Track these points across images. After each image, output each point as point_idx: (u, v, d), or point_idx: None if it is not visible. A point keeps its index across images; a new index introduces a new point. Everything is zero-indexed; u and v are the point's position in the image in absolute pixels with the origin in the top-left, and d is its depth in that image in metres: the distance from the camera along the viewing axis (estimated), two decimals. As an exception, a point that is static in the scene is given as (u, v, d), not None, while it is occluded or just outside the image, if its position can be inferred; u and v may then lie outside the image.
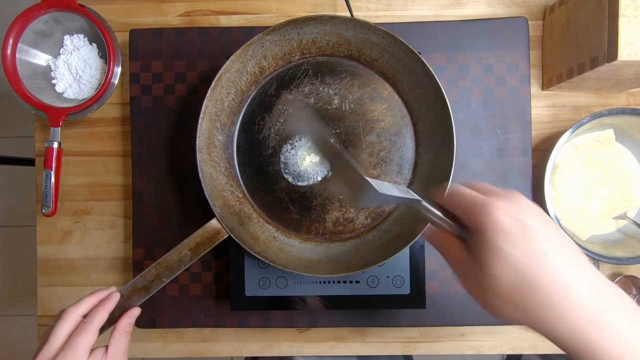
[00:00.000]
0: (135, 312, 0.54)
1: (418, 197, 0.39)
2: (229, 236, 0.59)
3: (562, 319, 0.33)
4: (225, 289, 0.68)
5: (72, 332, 0.48)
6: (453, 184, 0.39)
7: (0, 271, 1.58)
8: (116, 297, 0.53)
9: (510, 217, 0.33)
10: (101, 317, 0.49)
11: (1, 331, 1.57)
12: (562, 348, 0.34)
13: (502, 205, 0.34)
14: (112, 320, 0.53)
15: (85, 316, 0.50)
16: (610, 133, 0.67)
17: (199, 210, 0.68)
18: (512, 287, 0.33)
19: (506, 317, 0.35)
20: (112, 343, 0.51)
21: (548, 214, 0.62)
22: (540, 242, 0.33)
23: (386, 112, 0.65)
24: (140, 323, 0.69)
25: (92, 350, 0.49)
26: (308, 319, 0.68)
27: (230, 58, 0.59)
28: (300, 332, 0.71)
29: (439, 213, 0.38)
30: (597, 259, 0.63)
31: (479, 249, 0.35)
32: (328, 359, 0.78)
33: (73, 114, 0.67)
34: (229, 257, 0.65)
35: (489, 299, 0.35)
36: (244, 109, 0.65)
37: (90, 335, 0.48)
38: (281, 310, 0.67)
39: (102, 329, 0.52)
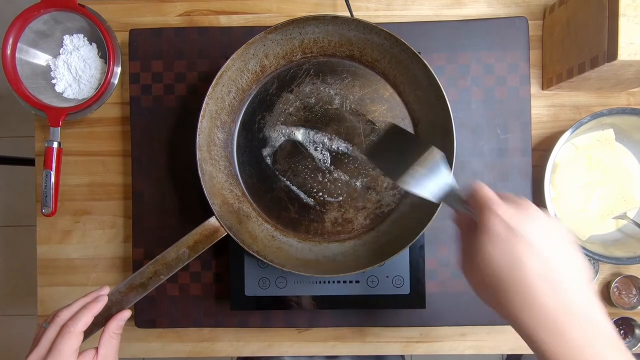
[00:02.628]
0: (126, 314, 0.54)
1: (456, 186, 0.44)
2: (228, 235, 0.59)
3: (526, 322, 0.37)
4: (225, 289, 0.68)
5: (57, 336, 0.48)
6: (479, 182, 0.41)
7: (0, 271, 1.58)
8: (103, 299, 0.52)
9: (502, 223, 0.37)
10: (85, 320, 0.49)
11: (1, 331, 1.56)
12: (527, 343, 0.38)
13: (501, 210, 0.38)
14: (108, 316, 0.53)
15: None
16: (610, 133, 0.67)
17: (199, 209, 0.68)
18: (490, 281, 0.38)
19: (485, 302, 0.40)
20: (101, 345, 0.51)
21: (548, 214, 0.62)
22: (521, 251, 0.36)
23: (387, 113, 0.65)
24: (140, 323, 0.69)
25: (82, 352, 0.49)
26: (308, 319, 0.68)
27: (232, 56, 0.59)
28: (300, 332, 0.71)
29: (465, 205, 0.43)
30: (597, 259, 0.63)
31: (475, 243, 0.39)
32: (318, 359, 0.78)
33: (73, 114, 0.67)
34: (229, 257, 0.65)
35: (471, 280, 0.41)
36: (244, 108, 0.65)
37: (73, 338, 0.48)
38: (281, 310, 0.67)
39: (90, 333, 0.52)
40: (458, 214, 0.45)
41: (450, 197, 0.44)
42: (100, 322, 0.53)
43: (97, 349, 0.51)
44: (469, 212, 0.42)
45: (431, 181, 0.45)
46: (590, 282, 0.38)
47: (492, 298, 0.39)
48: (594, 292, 0.38)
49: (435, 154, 0.46)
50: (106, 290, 0.54)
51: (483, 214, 0.39)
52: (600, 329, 0.36)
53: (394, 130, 0.55)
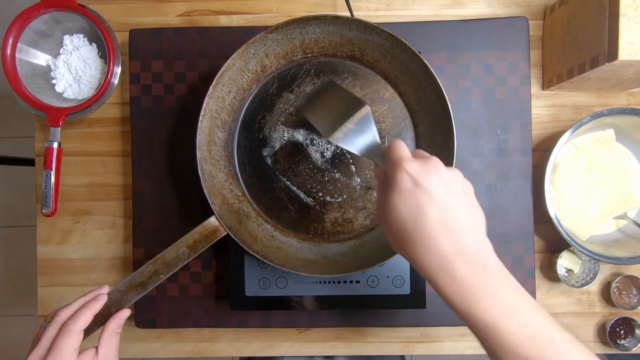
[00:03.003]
0: (125, 313, 0.54)
1: (379, 142, 0.49)
2: (228, 235, 0.59)
3: (427, 265, 0.41)
4: (225, 289, 0.68)
5: (57, 335, 0.48)
6: (396, 140, 0.45)
7: (0, 271, 1.58)
8: (103, 298, 0.52)
9: (409, 178, 0.41)
10: (85, 319, 0.49)
11: (1, 331, 1.56)
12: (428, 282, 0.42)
13: (409, 167, 0.42)
14: (108, 315, 0.53)
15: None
16: (610, 133, 0.67)
17: (199, 210, 0.68)
18: (397, 229, 0.42)
19: (396, 250, 0.44)
20: (101, 344, 0.51)
21: (548, 214, 0.62)
22: (424, 202, 0.40)
23: (387, 113, 0.65)
24: (140, 323, 0.69)
25: (82, 351, 0.49)
26: (308, 319, 0.68)
27: (232, 56, 0.59)
28: (300, 332, 0.71)
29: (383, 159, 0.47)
30: (597, 258, 0.63)
31: (386, 196, 0.43)
32: (316, 359, 0.78)
33: (73, 114, 0.67)
34: (229, 257, 0.65)
35: (385, 230, 0.44)
36: (245, 107, 0.65)
37: (73, 337, 0.48)
38: (281, 310, 0.67)
39: (90, 332, 0.52)
40: (378, 168, 0.48)
41: (373, 152, 0.48)
42: (100, 320, 0.53)
43: (97, 348, 0.51)
44: (387, 168, 0.45)
45: (359, 137, 0.49)
46: (482, 226, 0.43)
47: (403, 247, 0.42)
48: (483, 234, 0.42)
49: (366, 112, 0.50)
50: (106, 289, 0.54)
51: (394, 170, 0.42)
52: (487, 264, 0.41)
53: (330, 87, 0.59)
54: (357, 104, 0.51)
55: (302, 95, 0.64)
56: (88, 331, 0.52)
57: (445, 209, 0.41)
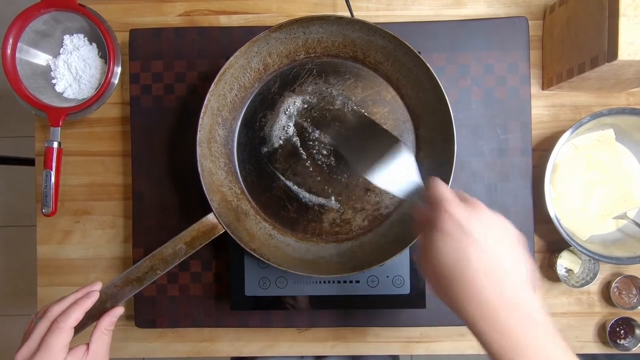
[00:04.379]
0: (118, 311, 0.54)
1: (421, 183, 0.47)
2: (226, 233, 0.59)
3: (471, 314, 0.39)
4: (225, 289, 0.68)
5: (47, 331, 0.48)
6: (437, 180, 0.44)
7: (0, 271, 1.58)
8: (95, 295, 0.52)
9: (454, 222, 0.40)
10: (76, 316, 0.49)
11: (1, 331, 1.57)
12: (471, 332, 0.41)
13: (454, 210, 0.41)
14: (103, 310, 0.53)
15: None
16: (610, 133, 0.67)
17: (199, 210, 0.68)
18: (440, 276, 0.41)
19: (438, 297, 0.43)
20: (93, 341, 0.51)
21: (548, 214, 0.62)
22: (468, 248, 0.39)
23: (388, 115, 0.65)
24: (140, 323, 0.69)
25: (73, 347, 0.49)
26: (308, 318, 0.68)
27: (235, 54, 0.59)
28: (300, 332, 0.71)
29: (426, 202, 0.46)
30: (597, 258, 0.63)
31: (429, 240, 0.42)
32: (308, 358, 0.78)
33: (73, 114, 0.67)
34: (229, 256, 0.65)
35: (425, 273, 0.43)
36: (246, 106, 0.65)
37: (64, 334, 0.48)
38: (281, 310, 0.67)
39: (83, 326, 0.52)
40: (417, 210, 0.47)
41: (415, 194, 0.47)
42: (95, 315, 0.53)
43: (88, 345, 0.51)
44: (427, 209, 0.44)
45: (398, 177, 0.47)
46: (530, 278, 0.41)
47: (444, 292, 0.41)
48: (532, 287, 0.40)
49: (404, 151, 0.48)
50: (98, 286, 0.54)
51: (438, 212, 0.41)
52: (538, 322, 0.38)
53: (365, 122, 0.59)
54: (391, 140, 0.50)
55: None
56: (81, 327, 0.52)
57: (490, 257, 0.40)
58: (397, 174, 0.47)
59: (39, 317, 0.50)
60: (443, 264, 0.40)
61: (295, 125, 0.65)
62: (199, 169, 0.59)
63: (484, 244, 0.40)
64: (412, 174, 0.47)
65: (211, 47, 0.69)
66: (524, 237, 0.42)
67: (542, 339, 0.38)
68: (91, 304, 0.52)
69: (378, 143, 0.52)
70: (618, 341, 0.68)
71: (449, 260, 0.40)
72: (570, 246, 0.63)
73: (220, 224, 0.59)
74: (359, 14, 0.69)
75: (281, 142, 0.65)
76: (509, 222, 0.42)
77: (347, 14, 0.66)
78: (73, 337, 0.49)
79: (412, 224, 0.49)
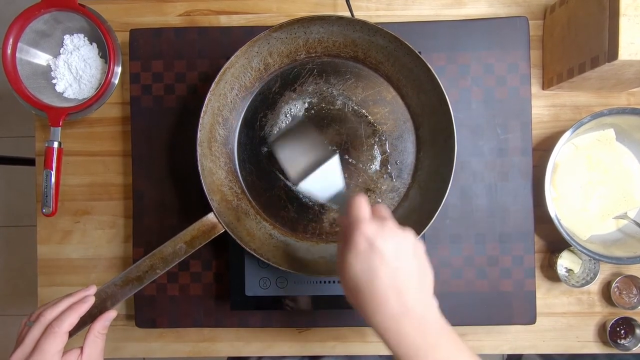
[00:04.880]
0: (112, 314, 0.54)
1: (344, 192, 0.52)
2: (227, 233, 0.59)
3: (379, 324, 0.43)
4: (225, 289, 0.68)
5: (41, 336, 0.48)
6: (358, 196, 0.46)
7: (0, 271, 1.58)
8: (90, 300, 0.52)
9: (365, 240, 0.43)
10: (70, 321, 0.49)
11: (1, 331, 1.56)
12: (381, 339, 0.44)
13: (367, 229, 0.43)
14: (103, 309, 0.53)
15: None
16: (610, 133, 0.67)
17: (199, 209, 0.68)
18: (352, 288, 0.44)
19: (352, 305, 0.45)
20: (86, 345, 0.51)
21: (548, 214, 0.62)
22: (376, 263, 0.42)
23: (389, 115, 0.65)
24: (140, 323, 0.69)
25: (67, 351, 0.49)
26: (308, 318, 0.68)
27: (236, 53, 0.59)
28: (300, 332, 0.71)
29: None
30: (597, 258, 0.63)
31: (343, 253, 0.44)
32: (304, 358, 0.78)
33: (73, 114, 0.67)
34: (229, 256, 0.65)
35: (342, 284, 0.46)
36: (247, 105, 0.65)
37: (58, 339, 0.48)
38: (281, 310, 0.67)
39: (79, 329, 0.52)
40: (342, 222, 0.49)
41: (338, 201, 0.51)
42: (95, 314, 0.53)
43: (82, 348, 0.50)
44: (348, 222, 0.46)
45: (325, 183, 0.51)
46: (429, 286, 0.45)
47: (356, 303, 0.44)
48: (429, 294, 0.45)
49: (335, 161, 0.52)
50: (93, 290, 0.54)
51: (352, 229, 0.44)
52: (432, 324, 0.43)
53: (304, 127, 0.63)
54: (328, 153, 0.53)
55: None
56: (77, 329, 0.52)
57: (394, 270, 0.43)
58: (325, 183, 0.51)
59: (33, 320, 0.49)
60: (355, 278, 0.43)
61: (296, 125, 0.65)
62: (200, 168, 0.59)
63: (389, 259, 0.42)
64: (338, 184, 0.51)
65: (211, 47, 0.69)
66: (422, 244, 0.46)
67: (433, 338, 0.43)
68: (86, 309, 0.51)
69: (311, 152, 0.55)
70: (618, 341, 0.68)
71: (359, 275, 0.43)
72: (571, 246, 0.63)
73: (221, 223, 0.59)
74: (359, 14, 0.69)
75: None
76: (410, 231, 0.45)
77: (347, 14, 0.66)
78: (67, 340, 0.49)
79: (338, 232, 0.51)
